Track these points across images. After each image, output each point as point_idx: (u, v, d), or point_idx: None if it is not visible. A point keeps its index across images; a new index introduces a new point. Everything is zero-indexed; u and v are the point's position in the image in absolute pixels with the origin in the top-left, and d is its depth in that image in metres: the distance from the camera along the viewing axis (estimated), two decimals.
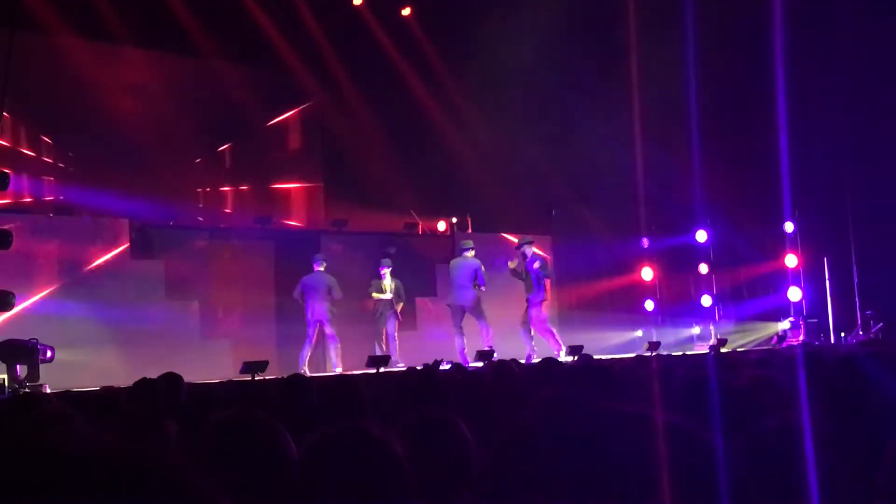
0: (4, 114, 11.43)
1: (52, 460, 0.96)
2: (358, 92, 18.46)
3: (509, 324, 15.10)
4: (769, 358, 7.38)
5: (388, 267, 15.18)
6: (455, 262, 15.09)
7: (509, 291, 15.44)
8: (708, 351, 14.70)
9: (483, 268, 14.81)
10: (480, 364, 12.22)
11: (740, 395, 3.75)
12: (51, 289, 12.84)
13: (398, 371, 10.90)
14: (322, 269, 14.36)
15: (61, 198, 14.93)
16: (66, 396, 8.46)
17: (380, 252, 15.87)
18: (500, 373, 6.90)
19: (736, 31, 16.58)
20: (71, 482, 0.94)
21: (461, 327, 14.76)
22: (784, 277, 18.48)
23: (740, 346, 16.58)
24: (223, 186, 16.75)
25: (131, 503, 0.95)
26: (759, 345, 17.22)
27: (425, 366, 8.32)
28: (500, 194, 18.81)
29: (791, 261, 18.28)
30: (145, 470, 0.98)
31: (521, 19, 17.99)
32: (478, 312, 14.84)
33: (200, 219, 16.33)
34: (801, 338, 17.06)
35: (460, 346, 14.53)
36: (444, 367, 9.41)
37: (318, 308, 14.10)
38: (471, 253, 14.98)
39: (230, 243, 15.31)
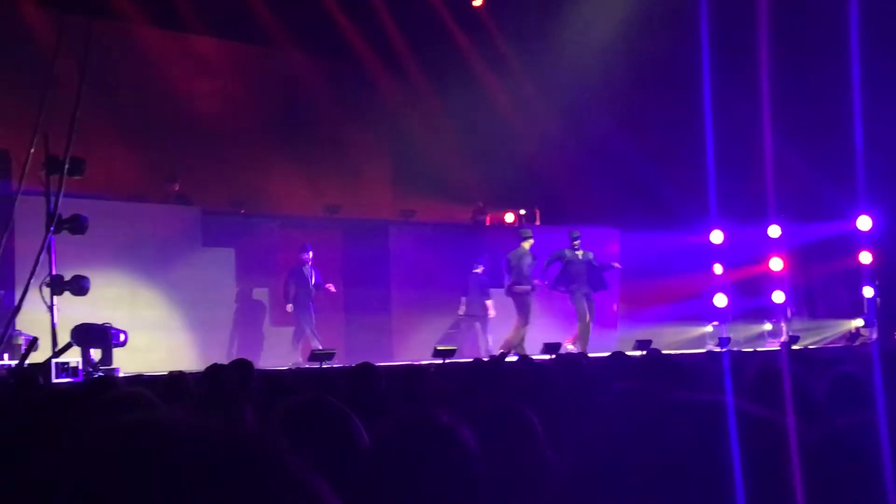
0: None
1: (139, 437, 0.97)
2: (427, 82, 18.49)
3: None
4: (844, 356, 7.27)
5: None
6: (517, 253, 15.21)
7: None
8: (779, 348, 14.51)
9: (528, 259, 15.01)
10: (547, 357, 12.19)
11: (815, 392, 3.69)
12: (124, 274, 13.02)
13: (464, 362, 10.90)
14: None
15: (135, 184, 15.13)
16: (137, 380, 8.59)
17: (448, 242, 15.98)
18: (568, 366, 6.87)
19: (812, 27, 16.32)
20: (160, 461, 0.95)
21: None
22: (857, 275, 18.16)
23: (812, 344, 16.33)
24: (293, 176, 16.84)
25: (227, 480, 0.96)
26: (830, 343, 16.96)
27: (491, 357, 8.33)
28: (569, 187, 18.73)
29: (865, 258, 17.96)
30: (237, 446, 0.99)
31: (592, 4, 17.90)
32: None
33: (271, 207, 16.45)
34: (874, 336, 16.77)
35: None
36: (511, 358, 9.41)
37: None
38: (527, 244, 15.11)
39: (299, 232, 15.42)
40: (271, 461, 1.01)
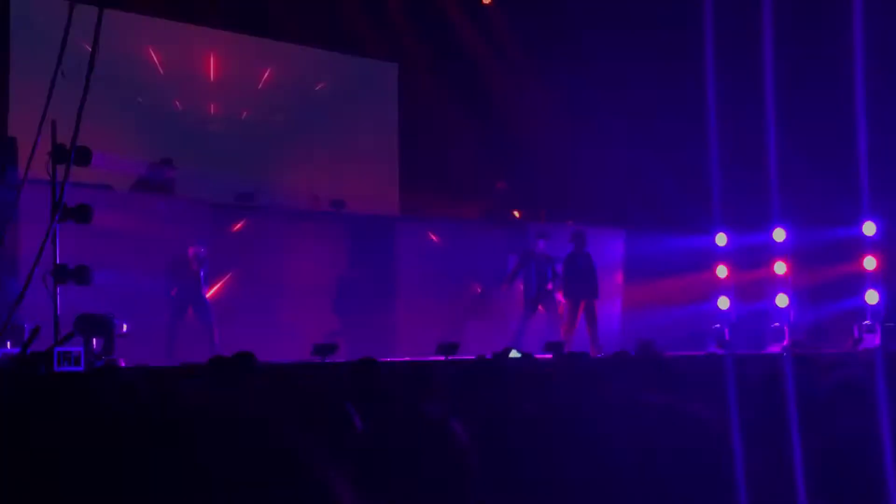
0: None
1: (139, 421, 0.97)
2: (436, 77, 18.50)
3: None
4: (847, 360, 7.26)
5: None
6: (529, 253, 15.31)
7: None
8: (782, 351, 14.50)
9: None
10: (550, 355, 12.19)
11: (817, 397, 3.68)
12: (128, 264, 13.03)
13: (467, 359, 10.91)
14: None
15: (141, 175, 15.14)
16: (140, 370, 8.60)
17: (453, 238, 16.02)
18: (570, 365, 6.87)
19: (817, 24, 16.30)
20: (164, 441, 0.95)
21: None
22: (862, 280, 18.13)
23: (815, 348, 16.30)
24: (299, 169, 16.85)
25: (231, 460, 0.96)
26: (834, 347, 16.93)
27: (494, 354, 8.32)
28: (574, 185, 18.74)
29: (870, 263, 17.94)
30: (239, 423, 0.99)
31: (596, 6, 17.91)
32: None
33: (275, 201, 16.45)
34: (877, 341, 16.74)
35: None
36: (514, 355, 9.41)
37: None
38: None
39: (304, 226, 15.42)
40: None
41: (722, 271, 18.98)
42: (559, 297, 15.42)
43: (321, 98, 17.96)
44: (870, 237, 17.91)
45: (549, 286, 15.17)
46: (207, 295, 13.43)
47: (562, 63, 18.59)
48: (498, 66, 18.84)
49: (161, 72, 16.21)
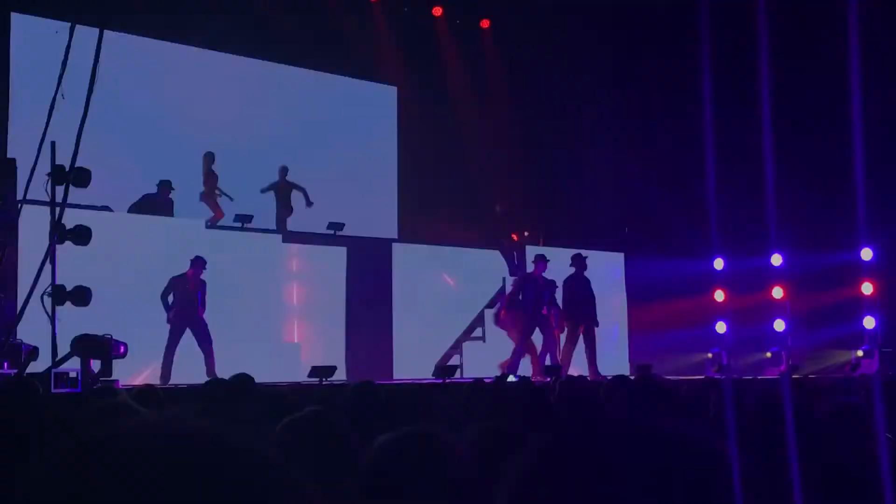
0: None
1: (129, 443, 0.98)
2: (435, 101, 18.57)
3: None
4: (845, 385, 7.26)
5: None
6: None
7: None
8: (780, 376, 14.48)
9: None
10: (548, 379, 12.18)
11: (815, 422, 3.68)
12: (126, 286, 13.03)
13: (465, 382, 10.90)
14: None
15: (138, 196, 15.16)
16: (138, 392, 8.57)
17: (451, 262, 16.05)
18: (568, 389, 6.87)
19: (816, 50, 16.36)
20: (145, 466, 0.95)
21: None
22: (859, 305, 18.14)
23: (812, 373, 16.29)
24: (298, 192, 16.87)
25: (216, 484, 0.97)
26: (831, 372, 16.93)
27: (494, 378, 8.32)
28: (574, 209, 18.79)
29: (867, 288, 17.95)
30: (226, 451, 1.00)
31: (591, 34, 17.99)
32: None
33: (273, 223, 16.47)
34: (875, 366, 16.73)
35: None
36: (511, 380, 9.40)
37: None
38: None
39: (303, 248, 15.42)
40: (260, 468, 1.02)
41: (720, 296, 18.99)
42: (556, 320, 15.41)
43: (320, 120, 18.01)
44: (867, 262, 17.93)
45: (545, 311, 15.16)
46: (205, 316, 13.42)
47: (562, 89, 18.66)
48: (497, 90, 18.90)
49: (161, 94, 16.25)
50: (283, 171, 16.72)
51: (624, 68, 17.91)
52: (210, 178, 16.31)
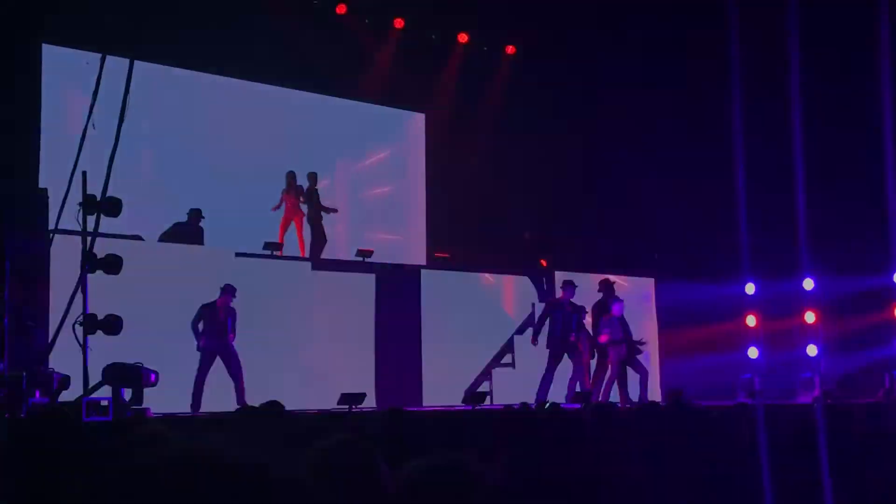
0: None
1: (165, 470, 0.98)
2: (463, 128, 18.63)
3: None
4: (878, 410, 7.18)
5: None
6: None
7: None
8: (813, 402, 14.35)
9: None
10: (578, 405, 12.13)
11: (849, 447, 3.64)
12: (157, 314, 13.09)
13: (496, 408, 10.87)
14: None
15: (169, 225, 15.26)
16: (168, 420, 8.61)
17: (480, 289, 16.06)
18: (599, 415, 6.83)
19: (846, 74, 16.31)
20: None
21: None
22: (892, 329, 17.97)
23: (845, 398, 16.12)
24: (327, 219, 16.93)
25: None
26: (864, 398, 16.75)
27: (522, 404, 8.28)
28: (602, 234, 18.76)
29: None
30: (259, 478, 0.99)
31: (617, 58, 18.02)
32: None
33: (302, 250, 16.52)
34: None
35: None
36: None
37: None
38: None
39: (331, 275, 15.45)
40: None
41: (751, 320, 18.86)
42: (585, 346, 15.37)
43: (349, 147, 18.09)
44: None
45: (573, 337, 15.11)
46: (234, 344, 13.46)
47: (590, 114, 18.67)
48: (525, 117, 18.91)
49: (190, 122, 16.39)
50: (313, 194, 16.78)
51: (652, 92, 17.87)
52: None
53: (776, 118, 15.50)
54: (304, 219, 16.27)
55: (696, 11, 16.22)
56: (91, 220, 10.45)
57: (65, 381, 10.21)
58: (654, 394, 16.01)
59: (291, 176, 16.43)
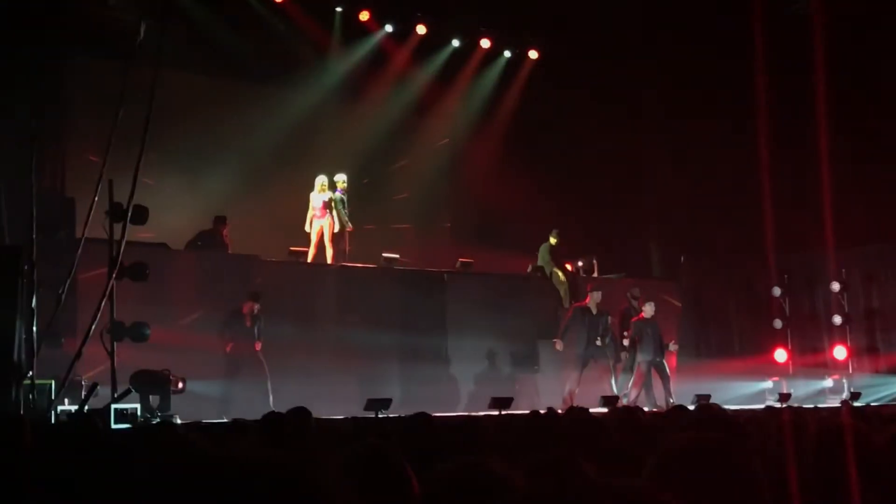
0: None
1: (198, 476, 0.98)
2: (487, 132, 18.66)
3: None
4: None
5: None
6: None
7: None
8: (841, 405, 14.24)
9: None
10: (605, 409, 12.09)
11: (877, 450, 3.61)
12: (184, 321, 13.15)
13: (521, 413, 10.84)
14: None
15: (194, 233, 15.32)
16: (195, 427, 8.64)
17: (504, 293, 16.10)
18: (625, 419, 6.79)
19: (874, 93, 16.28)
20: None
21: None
22: None
23: (874, 401, 16.00)
24: (350, 225, 16.96)
25: None
26: (894, 400, 16.62)
27: (549, 409, 8.24)
28: (630, 239, 18.73)
29: None
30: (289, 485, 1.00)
31: (646, 63, 17.99)
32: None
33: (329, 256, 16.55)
34: None
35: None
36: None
37: None
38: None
39: (357, 281, 15.47)
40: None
41: (778, 323, 18.75)
42: (611, 350, 15.33)
43: (375, 155, 18.10)
44: None
45: (598, 342, 15.06)
46: (260, 350, 13.50)
47: (618, 119, 18.60)
48: (550, 121, 18.90)
49: (218, 130, 16.48)
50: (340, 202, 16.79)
51: (680, 97, 17.83)
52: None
53: (802, 120, 15.43)
54: (332, 225, 16.27)
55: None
56: (118, 228, 10.50)
57: (93, 389, 10.27)
58: (683, 398, 15.93)
59: (319, 181, 16.44)
